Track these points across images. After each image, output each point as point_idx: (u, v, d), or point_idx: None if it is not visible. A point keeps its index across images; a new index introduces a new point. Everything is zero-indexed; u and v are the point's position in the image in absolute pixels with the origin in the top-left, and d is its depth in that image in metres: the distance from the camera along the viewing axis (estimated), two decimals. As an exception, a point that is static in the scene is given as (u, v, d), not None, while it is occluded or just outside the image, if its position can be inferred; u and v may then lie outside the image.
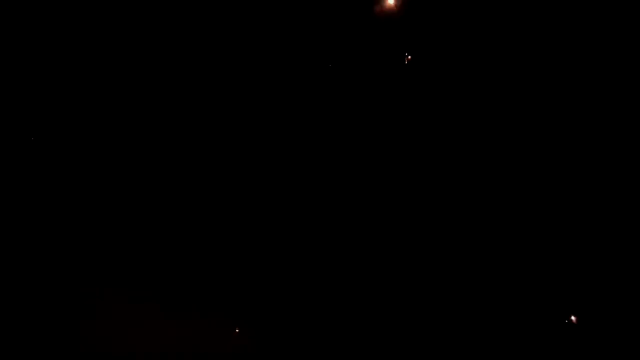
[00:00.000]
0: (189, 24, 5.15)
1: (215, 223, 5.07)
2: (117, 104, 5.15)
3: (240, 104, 5.13)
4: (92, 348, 4.84)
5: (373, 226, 5.00)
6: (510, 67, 4.95)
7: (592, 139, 4.88)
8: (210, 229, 5.06)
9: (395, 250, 4.97)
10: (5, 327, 4.90)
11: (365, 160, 5.03)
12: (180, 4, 5.13)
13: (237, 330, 4.91)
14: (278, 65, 5.09)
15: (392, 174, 5.02)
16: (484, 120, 4.97)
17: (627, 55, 4.86)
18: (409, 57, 4.81)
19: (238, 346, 4.89)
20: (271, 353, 4.91)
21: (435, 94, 5.00)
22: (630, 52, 4.84)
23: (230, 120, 5.11)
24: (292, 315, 4.95)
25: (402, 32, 4.97)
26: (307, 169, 5.07)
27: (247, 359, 4.90)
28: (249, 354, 4.90)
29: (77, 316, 4.90)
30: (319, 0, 5.06)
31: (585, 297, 4.78)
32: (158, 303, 4.93)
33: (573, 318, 4.70)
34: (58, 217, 5.05)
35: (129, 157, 5.12)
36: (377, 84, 5.02)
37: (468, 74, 4.98)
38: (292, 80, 5.08)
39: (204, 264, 5.03)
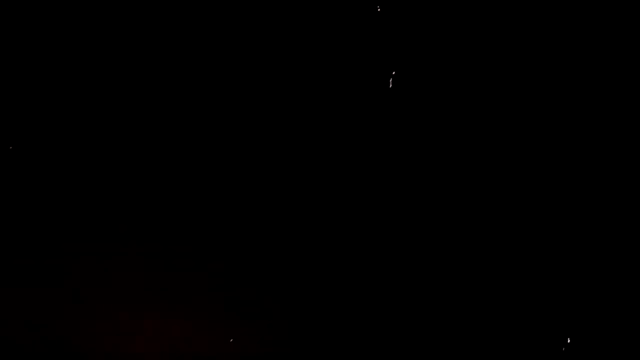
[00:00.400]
0: (189, 24, 5.18)
1: (215, 222, 5.08)
2: (110, 100, 5.17)
3: (227, 105, 5.15)
4: (92, 348, 4.84)
5: (370, 227, 5.01)
6: (496, 77, 4.98)
7: (588, 140, 4.91)
8: (210, 228, 5.08)
9: (394, 251, 4.98)
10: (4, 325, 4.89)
11: (357, 162, 5.05)
12: (180, 4, 5.16)
13: (231, 340, 4.92)
14: (274, 66, 5.12)
15: (384, 177, 5.04)
16: (475, 124, 4.99)
17: (624, 55, 4.90)
18: (394, 72, 4.87)
19: (238, 346, 4.90)
20: (271, 353, 4.91)
21: (424, 100, 5.02)
22: (628, 52, 4.88)
23: (224, 118, 5.13)
24: (292, 315, 4.95)
25: (389, 42, 5.01)
26: (304, 169, 5.09)
27: (247, 358, 4.91)
28: (248, 353, 4.91)
29: (76, 315, 4.90)
30: (312, 4, 5.10)
31: (585, 300, 4.79)
32: (157, 302, 4.94)
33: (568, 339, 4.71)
34: (56, 216, 5.05)
35: (127, 155, 5.13)
36: (371, 87, 5.05)
37: (458, 81, 5.01)
38: (289, 81, 5.10)
39: (204, 264, 5.04)
